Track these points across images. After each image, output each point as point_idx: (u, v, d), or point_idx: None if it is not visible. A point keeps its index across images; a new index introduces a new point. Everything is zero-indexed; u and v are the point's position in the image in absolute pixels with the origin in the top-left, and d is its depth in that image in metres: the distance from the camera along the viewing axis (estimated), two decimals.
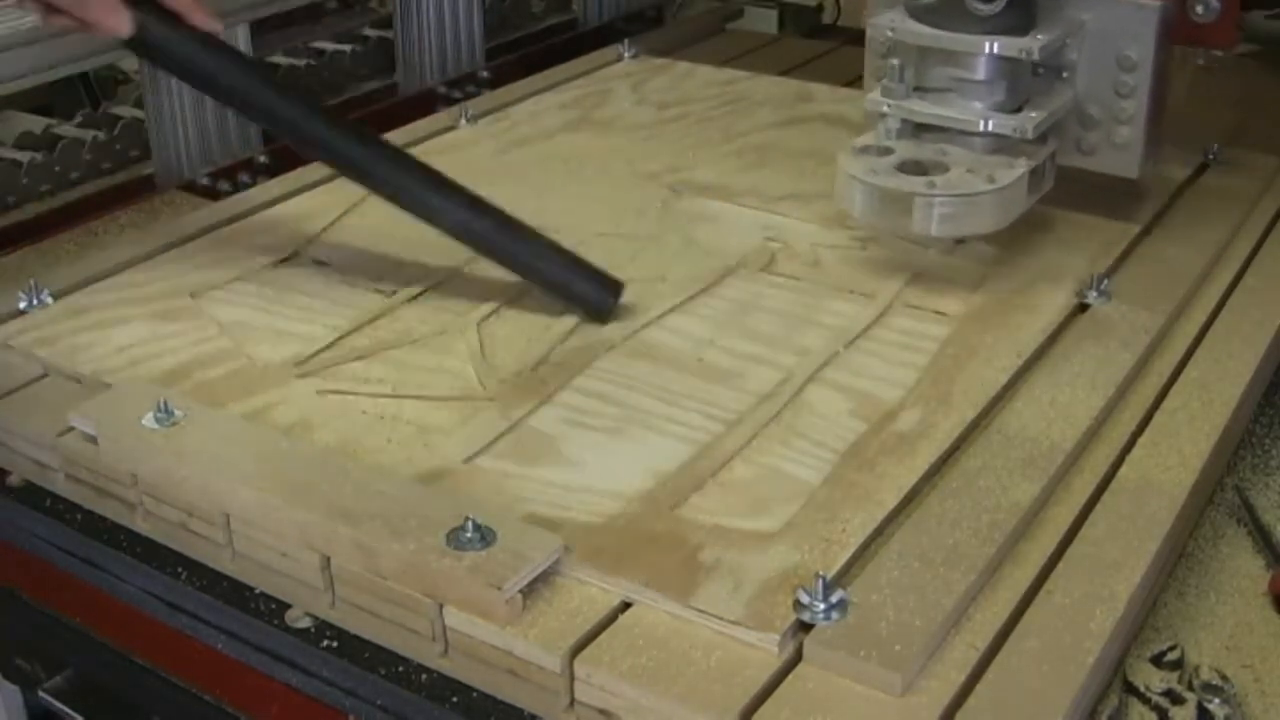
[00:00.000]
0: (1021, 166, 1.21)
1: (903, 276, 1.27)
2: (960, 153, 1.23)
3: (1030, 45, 1.19)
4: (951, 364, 1.12)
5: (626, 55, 1.88)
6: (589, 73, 1.83)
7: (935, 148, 1.24)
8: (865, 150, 1.24)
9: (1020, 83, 1.26)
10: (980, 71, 1.22)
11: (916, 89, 1.24)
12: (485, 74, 1.93)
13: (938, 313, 1.21)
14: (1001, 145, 1.23)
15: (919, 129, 1.25)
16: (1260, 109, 1.69)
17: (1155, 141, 1.33)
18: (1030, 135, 1.22)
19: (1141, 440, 1.04)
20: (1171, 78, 1.34)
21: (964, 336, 1.17)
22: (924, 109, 1.24)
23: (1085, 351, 1.14)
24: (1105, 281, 1.23)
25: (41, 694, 1.13)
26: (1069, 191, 1.43)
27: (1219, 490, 1.09)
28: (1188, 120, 1.62)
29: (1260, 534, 1.03)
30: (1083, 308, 1.22)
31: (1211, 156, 1.50)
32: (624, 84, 1.78)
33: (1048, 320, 1.19)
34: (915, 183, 1.18)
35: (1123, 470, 1.00)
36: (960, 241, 1.31)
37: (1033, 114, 1.23)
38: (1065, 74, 1.30)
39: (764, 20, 2.34)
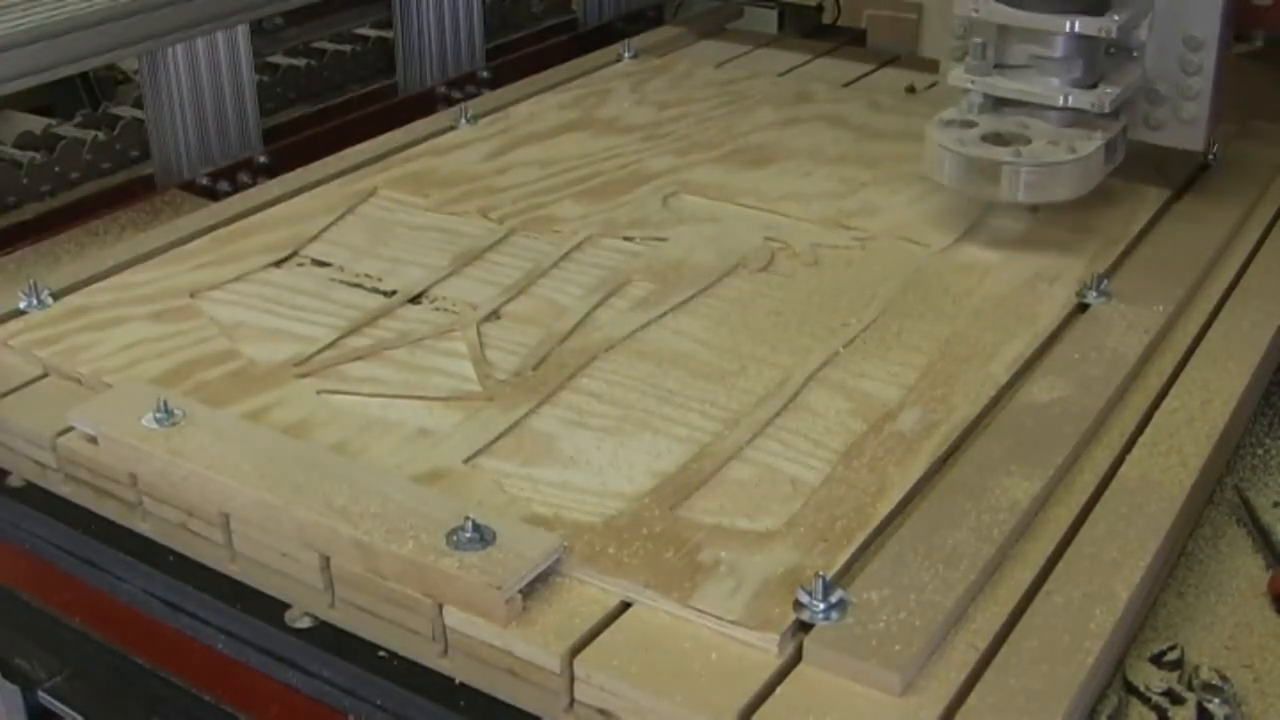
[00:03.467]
0: (1099, 138, 1.30)
1: (903, 276, 1.27)
2: (1041, 125, 1.32)
3: (1109, 24, 1.27)
4: (951, 364, 1.12)
5: (626, 55, 1.88)
6: (589, 73, 1.83)
7: (1016, 120, 1.32)
8: (951, 123, 1.33)
9: (1095, 60, 1.33)
10: (1058, 49, 1.31)
11: (996, 66, 1.33)
12: (485, 74, 1.93)
13: (938, 312, 1.21)
14: (1077, 119, 1.32)
15: (1000, 103, 1.34)
16: (1260, 109, 1.69)
17: (1217, 117, 1.40)
18: (1107, 109, 1.30)
19: (1141, 440, 1.04)
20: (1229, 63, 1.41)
21: (964, 336, 1.17)
22: (1006, 84, 1.32)
23: (1085, 351, 1.14)
24: (1105, 281, 1.23)
25: (41, 694, 1.13)
26: None
27: (1219, 490, 1.09)
28: None
29: (1260, 534, 1.03)
30: (1083, 308, 1.22)
31: (1212, 157, 1.50)
32: (624, 84, 1.78)
33: (1048, 320, 1.19)
34: (1002, 152, 1.27)
35: (1123, 470, 1.00)
36: (1033, 209, 1.37)
37: (1108, 90, 1.31)
38: (1135, 53, 1.37)
39: (764, 20, 2.34)
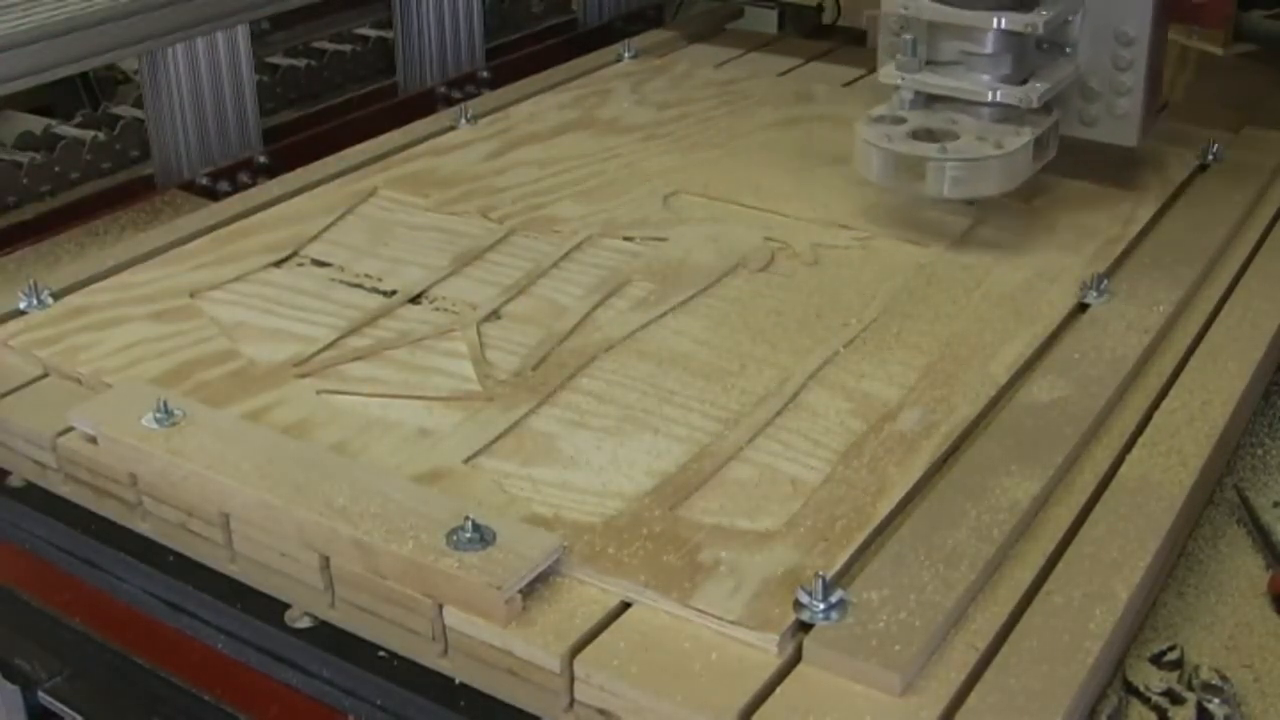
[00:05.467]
0: (1027, 134, 1.30)
1: (903, 276, 1.27)
2: (969, 121, 1.32)
3: (1035, 20, 1.27)
4: (951, 364, 1.12)
5: (626, 55, 1.88)
6: (589, 73, 1.83)
7: (945, 117, 1.32)
8: (880, 119, 1.33)
9: (1025, 57, 1.34)
10: (988, 46, 1.31)
11: (928, 63, 1.33)
12: (485, 74, 1.93)
13: (938, 312, 1.21)
14: (1008, 115, 1.32)
15: (930, 100, 1.34)
16: (1260, 109, 1.69)
17: (1152, 113, 1.41)
18: (1035, 105, 1.30)
19: (1141, 440, 1.04)
20: (1165, 63, 1.43)
21: (964, 336, 1.17)
22: (935, 81, 1.33)
23: (1085, 351, 1.14)
24: (1105, 281, 1.23)
25: (41, 694, 1.13)
26: (1069, 191, 1.44)
27: (1219, 490, 1.09)
28: (1188, 120, 1.63)
29: (1260, 534, 1.03)
30: (1083, 308, 1.22)
31: (1212, 157, 1.51)
32: (624, 84, 1.78)
33: (1048, 320, 1.19)
34: (928, 148, 1.27)
35: (1123, 470, 1.00)
36: (969, 203, 1.37)
37: (1037, 85, 1.31)
38: (1068, 49, 1.37)
39: (764, 20, 2.34)
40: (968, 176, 1.27)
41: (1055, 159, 1.37)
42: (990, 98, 1.30)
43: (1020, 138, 1.29)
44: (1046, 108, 1.33)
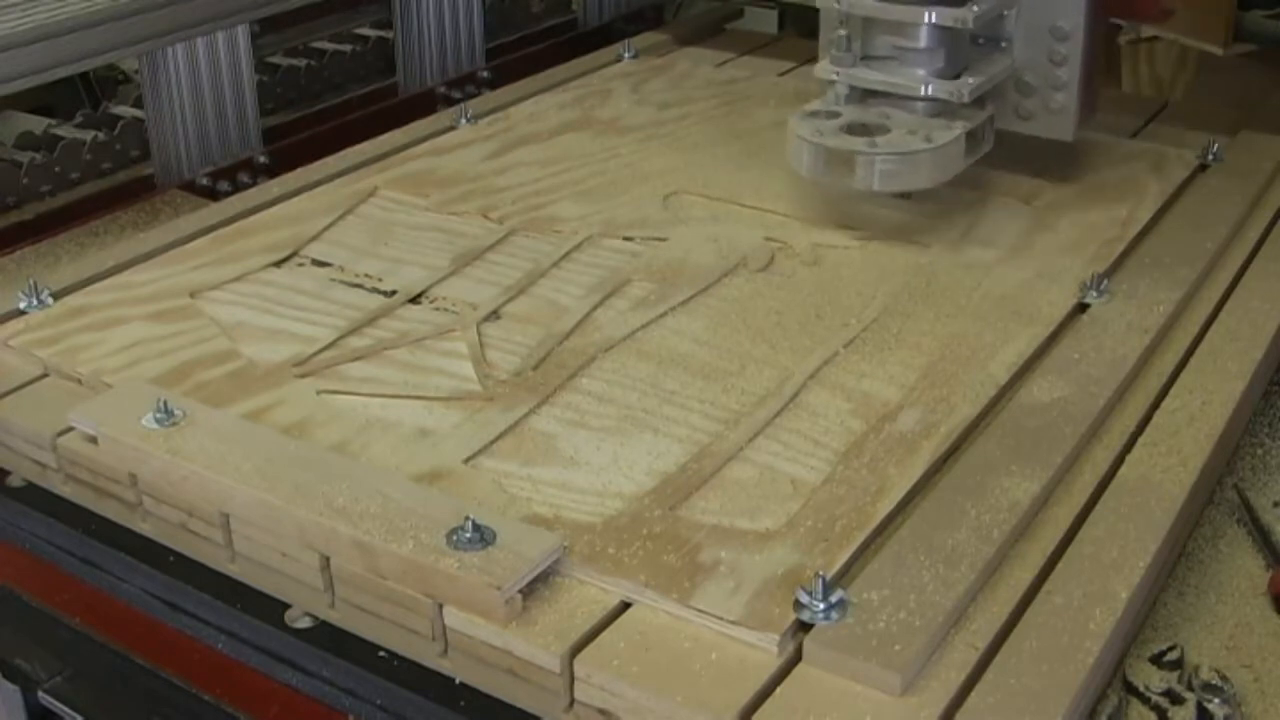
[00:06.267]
0: (958, 128, 1.31)
1: (902, 276, 1.27)
2: (902, 115, 1.32)
3: (965, 15, 1.28)
4: (951, 364, 1.12)
5: (626, 55, 1.88)
6: (589, 73, 1.83)
7: (879, 111, 1.33)
8: (814, 114, 1.34)
9: (960, 51, 1.34)
10: (921, 40, 1.32)
11: (863, 58, 1.34)
12: (485, 74, 1.93)
13: (938, 312, 1.21)
14: (942, 109, 1.32)
15: (867, 95, 1.35)
16: (1260, 109, 1.69)
17: (1089, 107, 1.41)
18: (966, 99, 1.31)
19: (1141, 440, 1.04)
20: (1101, 52, 1.44)
21: (964, 336, 1.17)
22: (867, 75, 1.33)
23: (1085, 351, 1.14)
24: (1105, 281, 1.23)
25: (41, 694, 1.13)
26: (1069, 191, 1.44)
27: (1219, 490, 1.09)
28: (1188, 120, 1.63)
29: (1260, 534, 1.03)
30: (1083, 308, 1.22)
31: (1211, 156, 1.51)
32: (624, 84, 1.78)
33: (1048, 320, 1.19)
34: (857, 142, 1.28)
35: (1123, 470, 1.00)
36: (904, 196, 1.37)
37: (969, 80, 1.32)
38: (1003, 44, 1.38)
39: (764, 20, 2.34)
40: (898, 170, 1.27)
41: (1055, 159, 1.37)
42: (923, 92, 1.31)
43: (951, 131, 1.29)
44: (981, 102, 1.34)
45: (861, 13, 1.32)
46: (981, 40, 1.37)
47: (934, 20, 1.28)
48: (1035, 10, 1.36)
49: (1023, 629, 0.85)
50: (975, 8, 1.28)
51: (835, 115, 1.33)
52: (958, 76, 1.32)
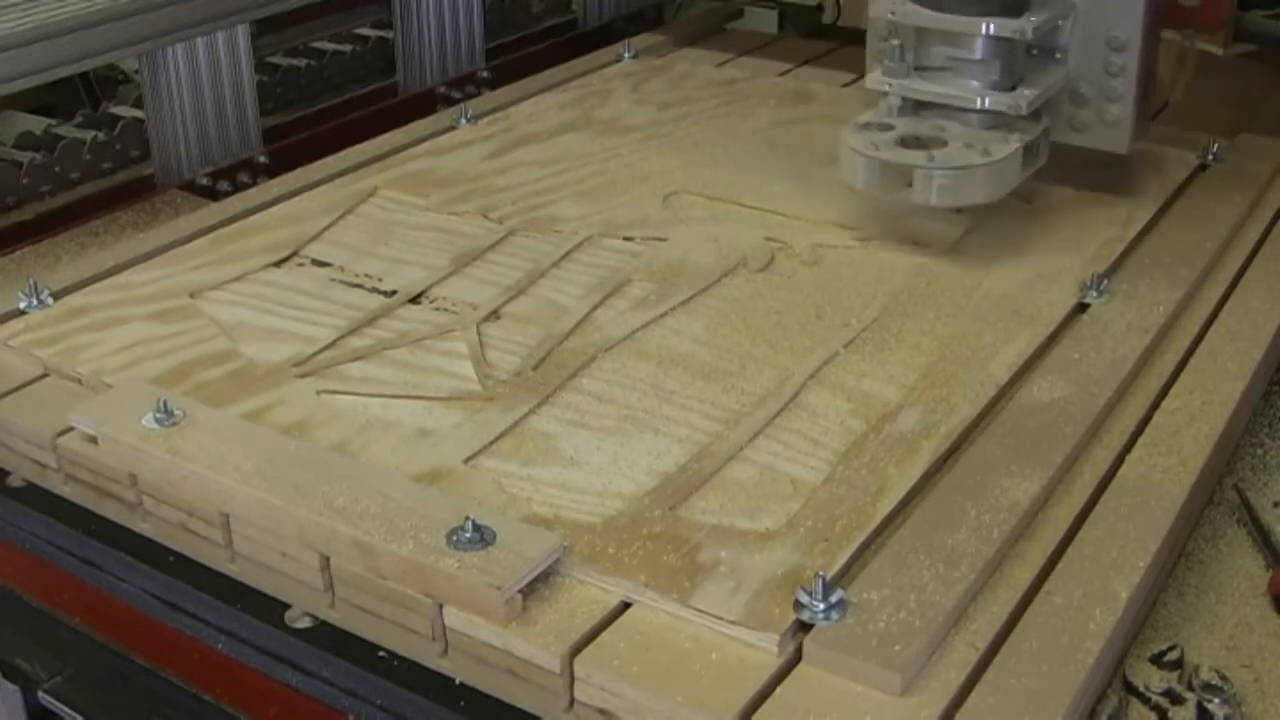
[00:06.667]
0: (1015, 141, 1.28)
1: (903, 276, 1.27)
2: (958, 128, 1.30)
3: (1024, 26, 1.26)
4: (951, 364, 1.12)
5: (626, 55, 1.88)
6: (589, 73, 1.83)
7: (934, 124, 1.31)
8: (867, 126, 1.31)
9: (1015, 62, 1.32)
10: (977, 51, 1.29)
11: (916, 69, 1.31)
12: (485, 74, 1.93)
13: (938, 312, 1.21)
14: (997, 122, 1.30)
15: (919, 106, 1.32)
16: (1260, 109, 1.69)
17: (1144, 119, 1.39)
18: (1024, 111, 1.28)
19: (1141, 440, 1.04)
20: (1156, 64, 1.40)
21: (964, 336, 1.17)
22: (923, 87, 1.31)
23: (1085, 351, 1.14)
24: (1105, 281, 1.23)
25: (41, 694, 1.13)
26: (1068, 192, 1.44)
27: (1219, 490, 1.09)
28: (1188, 120, 1.63)
29: (1260, 534, 1.03)
30: (1083, 308, 1.22)
31: (1211, 156, 1.50)
32: (624, 84, 1.78)
33: (1048, 320, 1.19)
34: (915, 156, 1.26)
35: (1123, 470, 1.00)
36: (959, 211, 1.36)
37: (1026, 92, 1.30)
38: (1058, 55, 1.36)
39: (764, 20, 2.34)
40: (955, 184, 1.25)
41: (1055, 160, 1.37)
42: (979, 104, 1.29)
43: (1009, 145, 1.27)
44: (1036, 114, 1.32)
45: (916, 23, 1.29)
46: (1036, 51, 1.35)
47: (992, 31, 1.26)
48: (1091, 20, 1.33)
49: (1023, 629, 0.85)
50: (1034, 18, 1.26)
51: (889, 128, 1.30)
52: (1013, 88, 1.30)
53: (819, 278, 1.28)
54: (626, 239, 1.35)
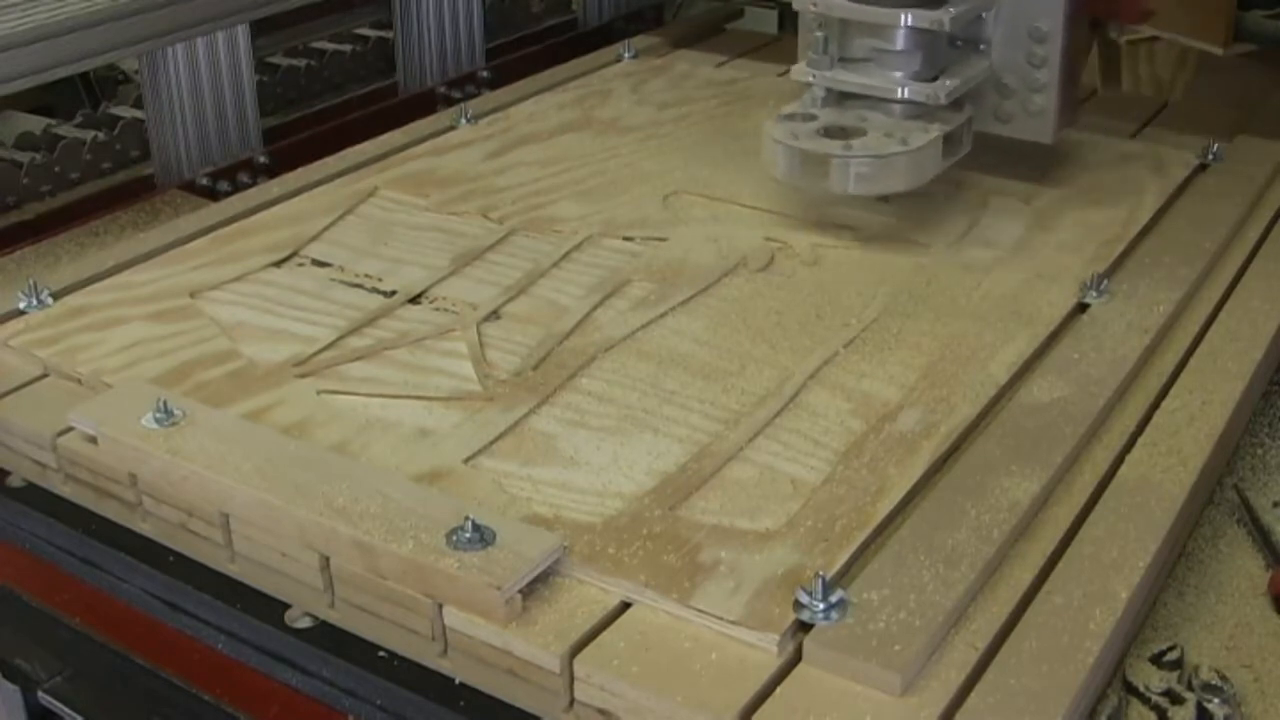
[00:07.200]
0: (935, 131, 1.30)
1: (903, 276, 1.27)
2: (879, 118, 1.32)
3: (942, 18, 1.27)
4: (951, 364, 1.12)
5: (626, 55, 1.88)
6: (589, 73, 1.83)
7: (856, 114, 1.33)
8: (790, 117, 1.33)
9: (937, 54, 1.34)
10: (898, 43, 1.31)
11: (841, 60, 1.33)
12: (485, 74, 1.93)
13: (938, 312, 1.21)
14: (919, 112, 1.32)
15: (844, 97, 1.34)
16: (1260, 109, 1.69)
17: (1069, 109, 1.40)
18: (943, 101, 1.30)
19: (1141, 440, 1.04)
20: (1083, 53, 1.43)
21: (964, 336, 1.17)
22: (845, 78, 1.33)
23: (1085, 351, 1.14)
24: (1105, 281, 1.23)
25: (41, 694, 1.13)
26: (1068, 191, 1.44)
27: (1219, 490, 1.09)
28: (1187, 120, 1.63)
29: (1260, 534, 1.03)
30: (1083, 308, 1.22)
31: (1211, 157, 1.50)
32: (624, 84, 1.78)
33: (1048, 320, 1.19)
34: (832, 145, 1.27)
35: (1123, 470, 1.00)
36: (884, 200, 1.36)
37: (947, 83, 1.31)
38: (982, 46, 1.38)
39: (764, 20, 2.34)
40: (873, 173, 1.27)
41: (1055, 160, 1.37)
42: (899, 95, 1.30)
43: (927, 134, 1.29)
44: (959, 104, 1.33)
45: (837, 14, 1.31)
46: (960, 42, 1.37)
47: (910, 22, 1.28)
48: (1014, 12, 1.35)
49: (1023, 629, 0.85)
50: (952, 9, 1.27)
51: (812, 118, 1.33)
52: (935, 79, 1.32)
53: (819, 278, 1.28)
54: (626, 239, 1.35)
